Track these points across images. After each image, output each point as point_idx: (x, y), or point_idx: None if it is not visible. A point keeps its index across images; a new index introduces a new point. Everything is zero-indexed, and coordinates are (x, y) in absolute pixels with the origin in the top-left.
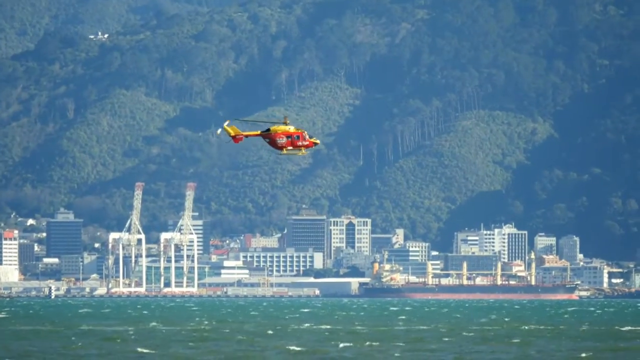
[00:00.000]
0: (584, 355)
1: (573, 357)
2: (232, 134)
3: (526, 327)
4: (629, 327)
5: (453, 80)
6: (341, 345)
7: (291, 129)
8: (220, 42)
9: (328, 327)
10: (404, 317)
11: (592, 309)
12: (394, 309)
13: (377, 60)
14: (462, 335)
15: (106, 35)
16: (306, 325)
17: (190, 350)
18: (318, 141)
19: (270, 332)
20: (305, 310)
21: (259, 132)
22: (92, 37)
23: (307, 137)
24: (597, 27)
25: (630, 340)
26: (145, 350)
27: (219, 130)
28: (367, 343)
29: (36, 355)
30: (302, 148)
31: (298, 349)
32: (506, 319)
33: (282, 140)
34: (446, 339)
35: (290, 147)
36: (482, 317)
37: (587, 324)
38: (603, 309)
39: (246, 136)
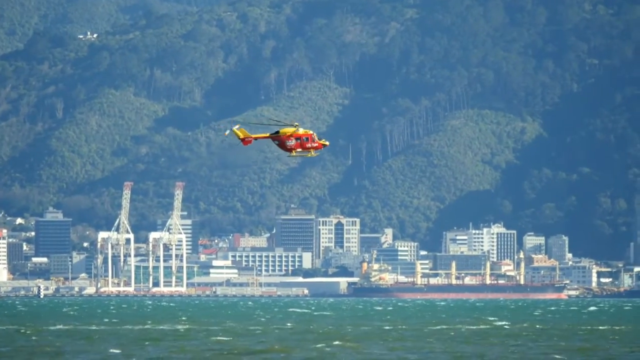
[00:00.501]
0: (557, 357)
1: (547, 357)
2: (241, 136)
3: (507, 327)
4: (609, 327)
5: (442, 80)
6: (316, 345)
7: (300, 130)
8: (209, 41)
9: (310, 327)
10: (389, 316)
11: (576, 308)
12: (379, 308)
13: (366, 60)
14: (443, 335)
15: (95, 35)
16: (288, 325)
17: (163, 350)
18: (327, 143)
19: (249, 331)
20: (291, 309)
21: (268, 135)
22: (81, 36)
23: (316, 138)
24: (586, 27)
25: (609, 340)
26: (116, 351)
27: (227, 132)
28: (337, 342)
29: (9, 355)
30: (312, 150)
31: (274, 347)
32: (490, 319)
33: (292, 143)
34: (429, 339)
35: (300, 149)
36: (467, 317)
37: (569, 324)
38: (587, 308)
39: (255, 138)
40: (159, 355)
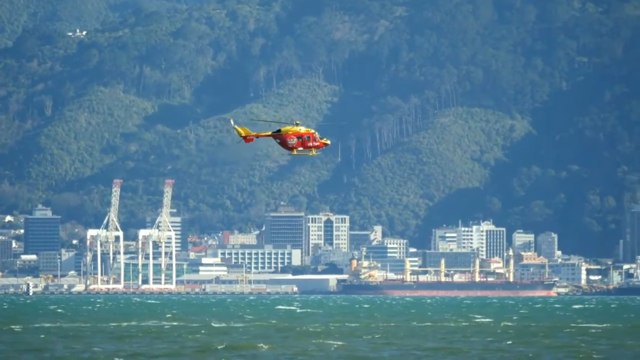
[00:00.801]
0: (536, 353)
1: (525, 354)
2: (243, 134)
3: (492, 324)
4: (585, 324)
5: (431, 77)
6: (299, 342)
7: (302, 129)
8: (198, 39)
9: (294, 324)
10: (376, 314)
11: (560, 305)
12: (366, 305)
13: (355, 58)
14: (427, 332)
15: (84, 33)
16: (273, 322)
17: (147, 347)
18: (329, 142)
19: (233, 329)
20: (278, 307)
21: (269, 133)
22: (70, 34)
23: (317, 137)
24: (575, 25)
25: (592, 337)
26: (98, 348)
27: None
28: (318, 340)
29: None
30: (313, 149)
31: (256, 345)
32: (477, 316)
33: (293, 141)
34: (412, 336)
35: (301, 148)
36: (452, 314)
37: (552, 322)
38: (572, 306)
39: (257, 136)
40: (143, 351)
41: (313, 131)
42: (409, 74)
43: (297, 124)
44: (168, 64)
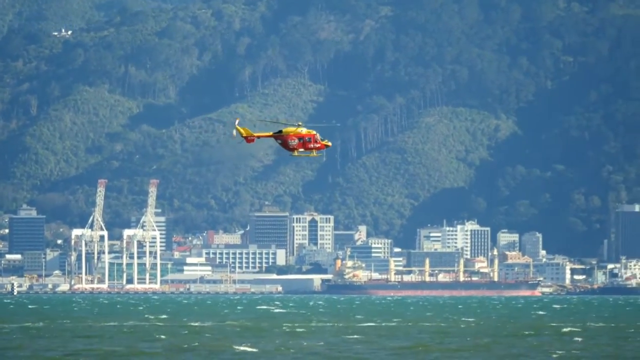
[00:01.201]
0: (514, 351)
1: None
2: (245, 134)
3: (471, 323)
4: (562, 324)
5: (417, 77)
6: (275, 341)
7: (303, 131)
8: (184, 38)
9: (271, 323)
10: (358, 315)
11: (540, 305)
12: (344, 306)
13: (340, 57)
14: (399, 332)
15: (70, 32)
16: (249, 322)
17: (121, 346)
18: (330, 143)
19: (207, 328)
20: (258, 307)
21: (271, 134)
22: (55, 33)
23: (318, 139)
24: (560, 24)
25: (562, 336)
26: (73, 348)
27: (235, 132)
28: (292, 341)
29: None
30: (314, 150)
31: (231, 345)
32: (464, 318)
33: (294, 142)
34: (383, 336)
35: (302, 149)
36: (433, 314)
37: (528, 321)
38: (552, 305)
39: (258, 137)
40: (119, 350)
41: (314, 132)
42: (394, 73)
43: (299, 125)
44: (153, 63)
